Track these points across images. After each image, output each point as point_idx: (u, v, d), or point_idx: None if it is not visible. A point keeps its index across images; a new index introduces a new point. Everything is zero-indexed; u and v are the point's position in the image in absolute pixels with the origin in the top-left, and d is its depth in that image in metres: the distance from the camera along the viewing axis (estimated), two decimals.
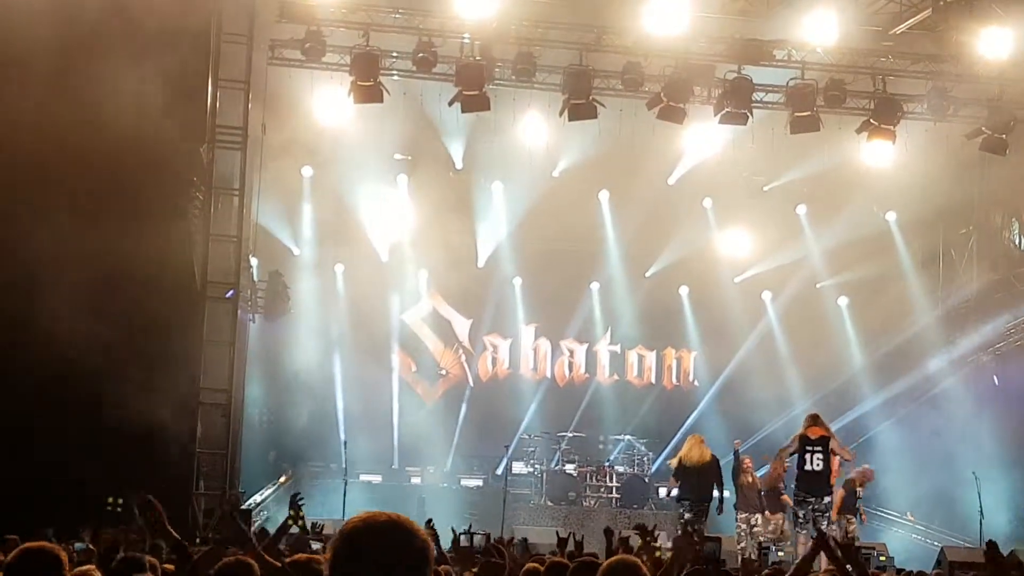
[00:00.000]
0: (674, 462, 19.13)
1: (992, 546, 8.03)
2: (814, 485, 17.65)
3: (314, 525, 12.77)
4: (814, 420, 17.92)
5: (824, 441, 17.72)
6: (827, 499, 17.90)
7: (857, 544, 15.95)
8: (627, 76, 20.74)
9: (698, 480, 18.45)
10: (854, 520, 19.65)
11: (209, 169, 18.97)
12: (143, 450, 16.31)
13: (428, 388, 26.05)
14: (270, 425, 23.66)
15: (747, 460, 20.19)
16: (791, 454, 17.96)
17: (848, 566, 7.16)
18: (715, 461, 18.75)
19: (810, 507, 17.74)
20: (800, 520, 18.08)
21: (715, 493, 18.37)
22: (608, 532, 9.82)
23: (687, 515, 18.18)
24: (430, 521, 11.66)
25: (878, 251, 25.46)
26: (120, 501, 14.61)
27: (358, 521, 3.08)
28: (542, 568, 8.42)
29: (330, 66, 20.83)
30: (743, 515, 19.88)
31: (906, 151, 22.60)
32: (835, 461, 18.25)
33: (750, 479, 20.10)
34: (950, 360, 25.24)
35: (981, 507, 20.37)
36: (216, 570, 6.78)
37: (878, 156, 22.81)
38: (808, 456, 17.57)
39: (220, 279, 19.01)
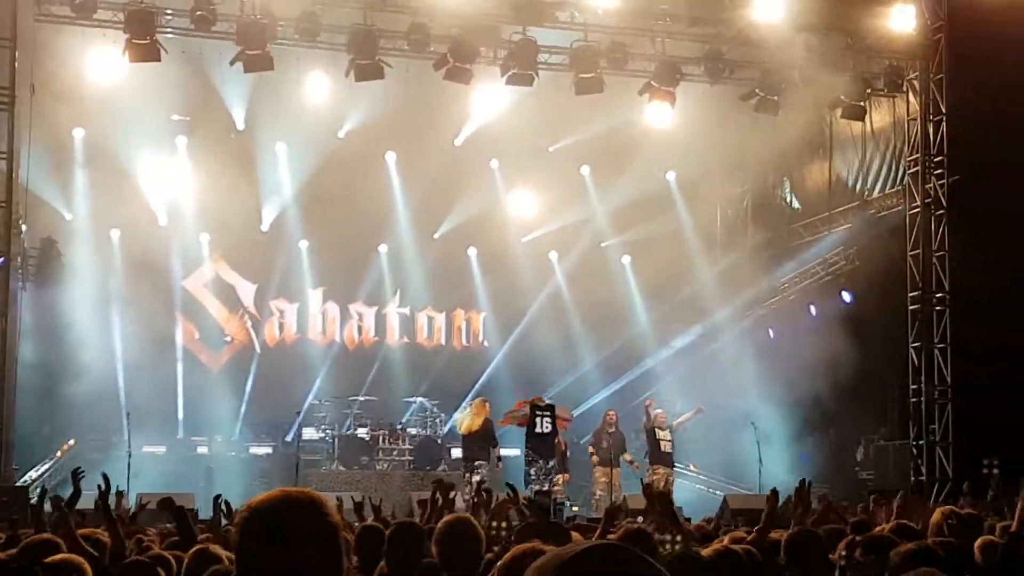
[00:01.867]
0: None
1: (803, 484, 8.41)
2: (543, 447, 19.37)
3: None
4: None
5: (551, 408, 19.64)
6: (552, 461, 19.52)
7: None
8: (413, 37, 20.57)
9: (466, 444, 20.25)
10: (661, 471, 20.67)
11: None
12: None
13: (213, 355, 25.39)
14: (46, 398, 22.68)
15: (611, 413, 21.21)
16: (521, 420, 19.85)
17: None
18: (487, 425, 20.02)
19: (540, 466, 19.26)
20: (531, 478, 19.21)
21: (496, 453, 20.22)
22: (438, 484, 9.72)
23: (475, 476, 19.28)
24: (219, 497, 11.46)
25: (659, 210, 26.02)
26: None
27: (268, 499, 2.97)
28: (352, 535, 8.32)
29: (103, 23, 20.00)
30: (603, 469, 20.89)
31: (685, 112, 23.14)
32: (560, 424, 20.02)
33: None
34: (728, 315, 26.04)
35: (760, 456, 21.15)
36: (19, 549, 6.48)
37: (658, 117, 23.25)
38: (538, 420, 19.32)
39: None
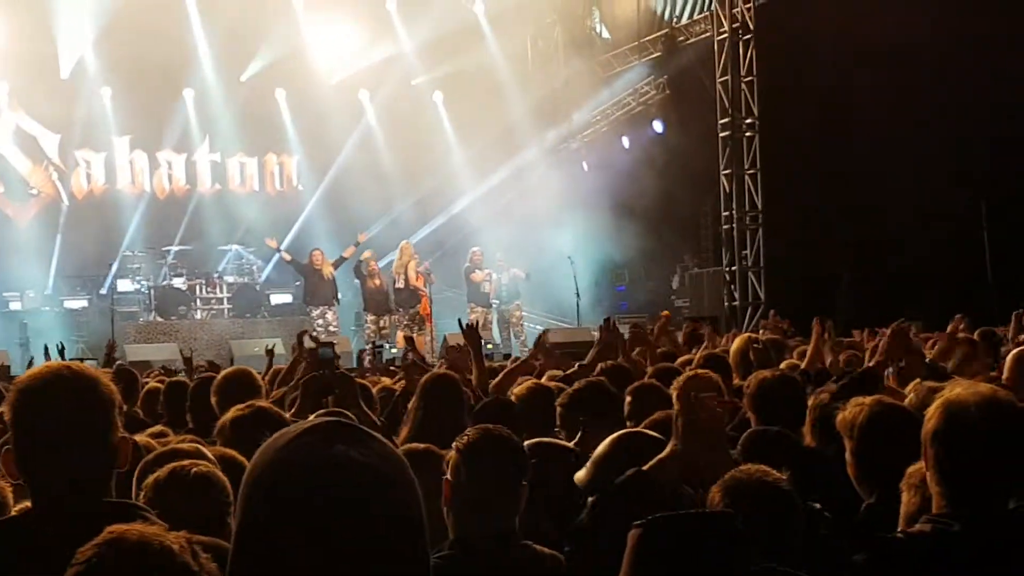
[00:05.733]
0: None
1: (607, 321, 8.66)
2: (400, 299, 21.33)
3: None
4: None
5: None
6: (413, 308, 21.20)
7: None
8: None
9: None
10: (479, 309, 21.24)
11: None
12: None
13: (19, 209, 24.46)
14: None
15: (372, 263, 21.46)
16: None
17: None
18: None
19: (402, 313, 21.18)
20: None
21: None
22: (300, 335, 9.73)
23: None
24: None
25: (469, 44, 25.68)
26: None
27: (32, 377, 3.00)
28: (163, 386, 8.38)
29: None
30: (372, 317, 21.29)
31: None
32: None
33: (377, 282, 21.32)
34: (543, 150, 26.15)
35: (577, 289, 21.51)
36: None
37: None
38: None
39: None
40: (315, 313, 21.27)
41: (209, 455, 3.93)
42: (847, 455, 4.23)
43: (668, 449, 3.76)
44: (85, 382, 2.96)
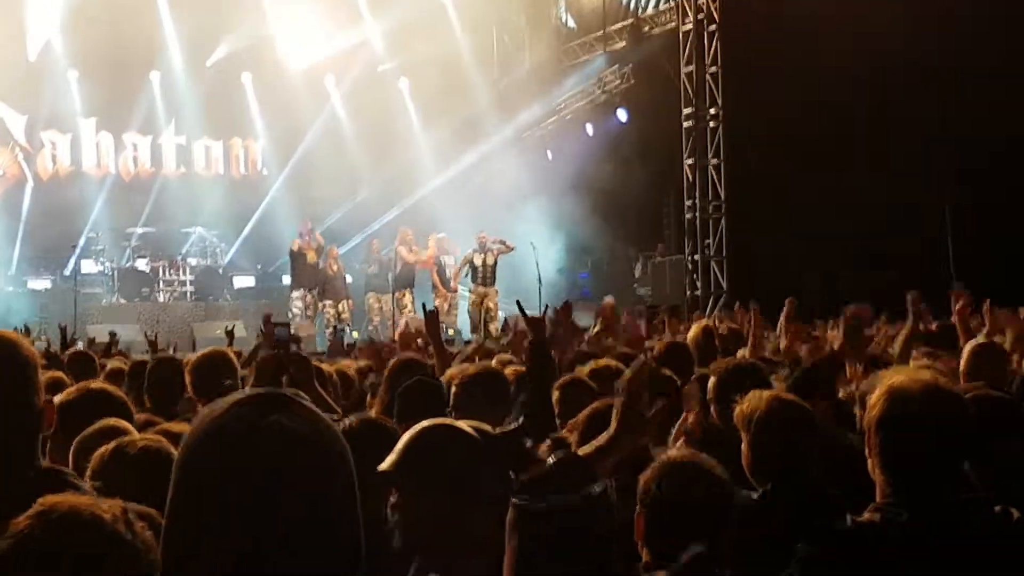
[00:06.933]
0: None
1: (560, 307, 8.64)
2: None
3: None
4: None
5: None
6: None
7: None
8: None
9: None
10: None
11: None
12: None
13: None
14: None
15: (333, 249, 21.63)
16: None
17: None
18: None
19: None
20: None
21: None
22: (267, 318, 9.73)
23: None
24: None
25: (435, 31, 25.64)
26: None
27: None
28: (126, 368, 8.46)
29: None
30: (330, 302, 21.46)
31: None
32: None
33: (335, 268, 21.47)
34: (507, 137, 26.20)
35: (540, 275, 21.62)
36: None
37: None
38: None
39: None
40: (295, 295, 21.51)
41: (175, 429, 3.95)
42: (743, 446, 4.24)
43: (605, 438, 3.38)
44: (4, 346, 2.97)
